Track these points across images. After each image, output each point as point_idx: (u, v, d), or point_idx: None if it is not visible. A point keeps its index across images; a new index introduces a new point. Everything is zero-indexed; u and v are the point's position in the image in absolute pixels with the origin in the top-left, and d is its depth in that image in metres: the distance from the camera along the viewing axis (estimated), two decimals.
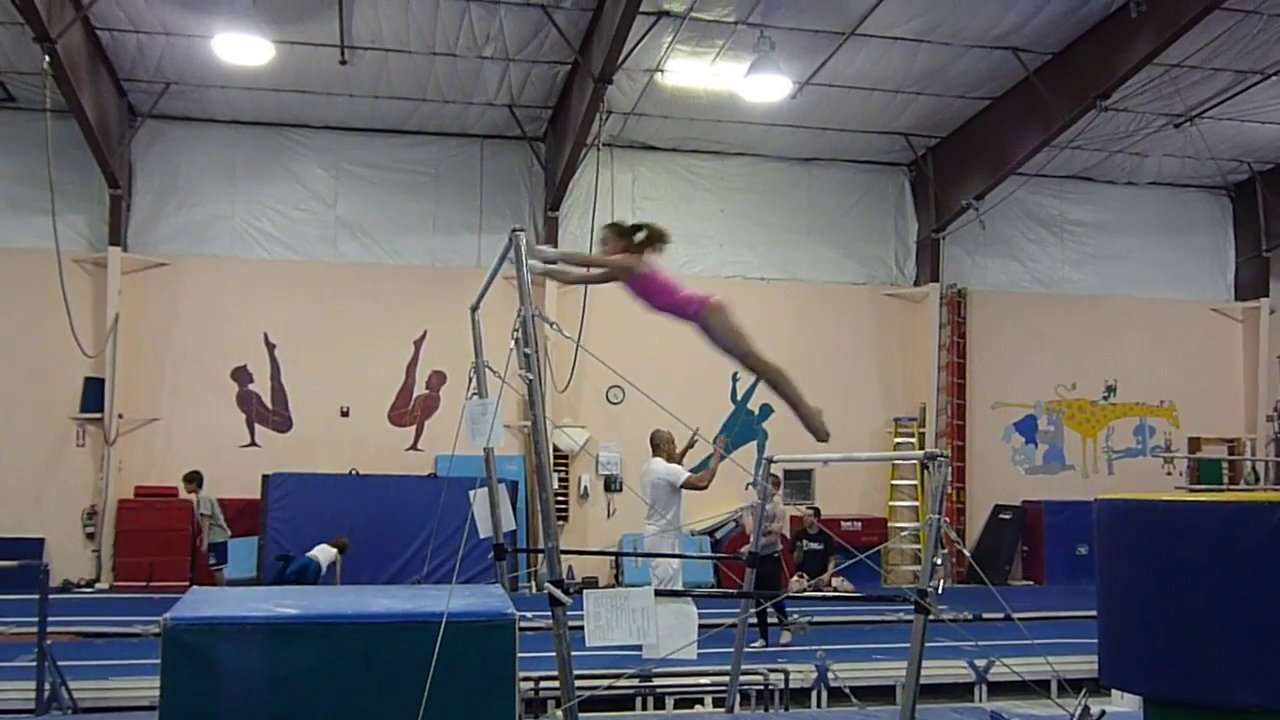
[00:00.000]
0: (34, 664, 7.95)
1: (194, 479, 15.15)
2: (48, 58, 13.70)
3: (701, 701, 9.81)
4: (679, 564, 10.80)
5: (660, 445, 10.93)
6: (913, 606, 5.94)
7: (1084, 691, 6.69)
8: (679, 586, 10.55)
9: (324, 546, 14.14)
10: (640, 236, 6.89)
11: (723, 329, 6.89)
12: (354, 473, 16.61)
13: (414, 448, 17.76)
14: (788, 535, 15.13)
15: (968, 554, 10.46)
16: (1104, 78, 15.25)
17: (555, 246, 17.82)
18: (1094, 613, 5.47)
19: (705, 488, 10.70)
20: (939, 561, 5.73)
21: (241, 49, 14.81)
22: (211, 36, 14.74)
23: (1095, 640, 5.44)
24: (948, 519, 8.08)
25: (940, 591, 5.77)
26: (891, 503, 18.96)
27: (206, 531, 15.01)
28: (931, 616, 5.77)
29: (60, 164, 15.09)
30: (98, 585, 16.43)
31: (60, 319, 15.37)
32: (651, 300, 6.90)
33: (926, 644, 5.86)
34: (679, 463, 10.87)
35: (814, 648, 10.48)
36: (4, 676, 9.29)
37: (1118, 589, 5.26)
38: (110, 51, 15.80)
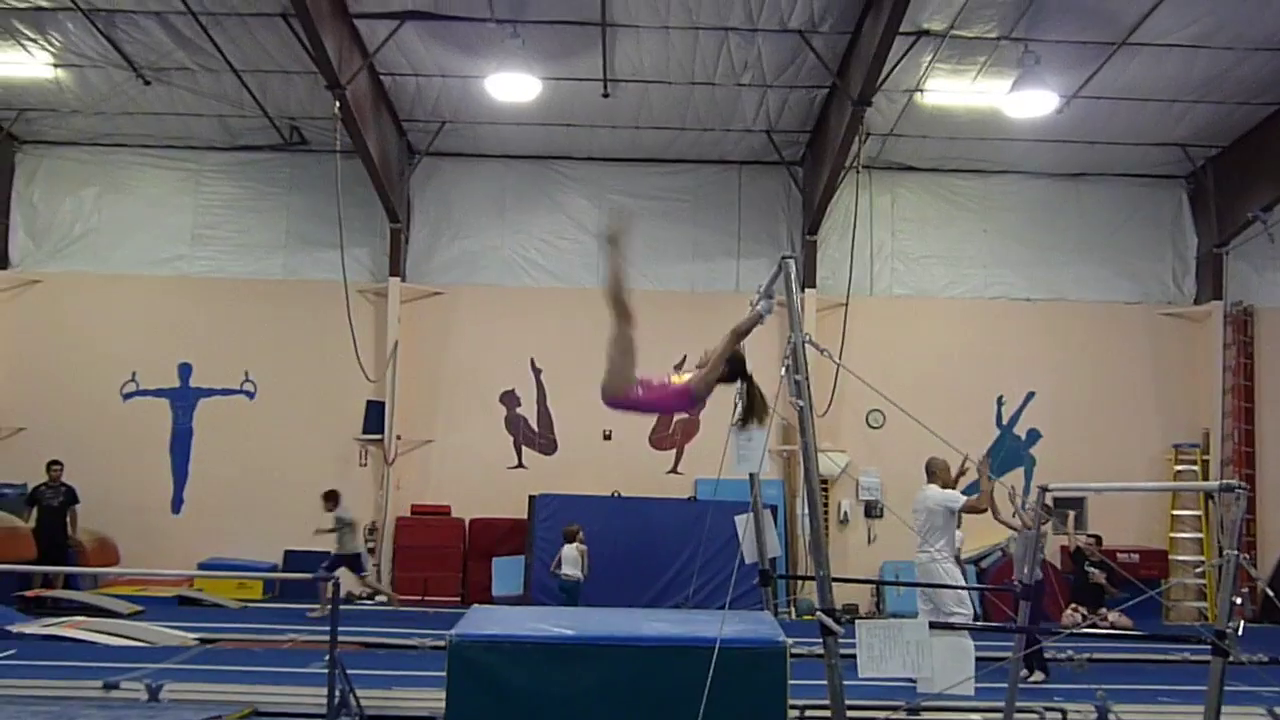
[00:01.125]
0: (325, 671, 8.44)
1: (332, 497, 15.78)
2: (338, 103, 14.74)
3: None
4: (965, 592, 10.64)
5: (936, 472, 10.87)
6: (1207, 647, 5.60)
7: None
8: (965, 611, 10.38)
9: (567, 552, 14.43)
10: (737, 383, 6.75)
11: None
12: (616, 495, 16.97)
13: (674, 471, 18.01)
14: (1057, 565, 14.58)
15: (1268, 590, 9.76)
16: None
17: (815, 271, 17.86)
18: None
19: (985, 510, 10.53)
20: (1238, 600, 5.39)
21: (511, 87, 15.50)
22: (484, 76, 15.48)
23: None
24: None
25: (1239, 632, 5.43)
26: (1173, 534, 17.86)
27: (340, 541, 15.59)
28: (1231, 659, 5.43)
29: (346, 201, 16.21)
30: (378, 599, 17.31)
31: (346, 345, 16.44)
32: (661, 389, 6.64)
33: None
34: (954, 489, 10.69)
35: (1093, 686, 9.99)
36: (298, 681, 9.89)
37: None
38: (391, 94, 16.82)
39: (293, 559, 17.22)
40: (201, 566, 16.49)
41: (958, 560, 11.43)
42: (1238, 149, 17.49)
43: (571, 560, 14.46)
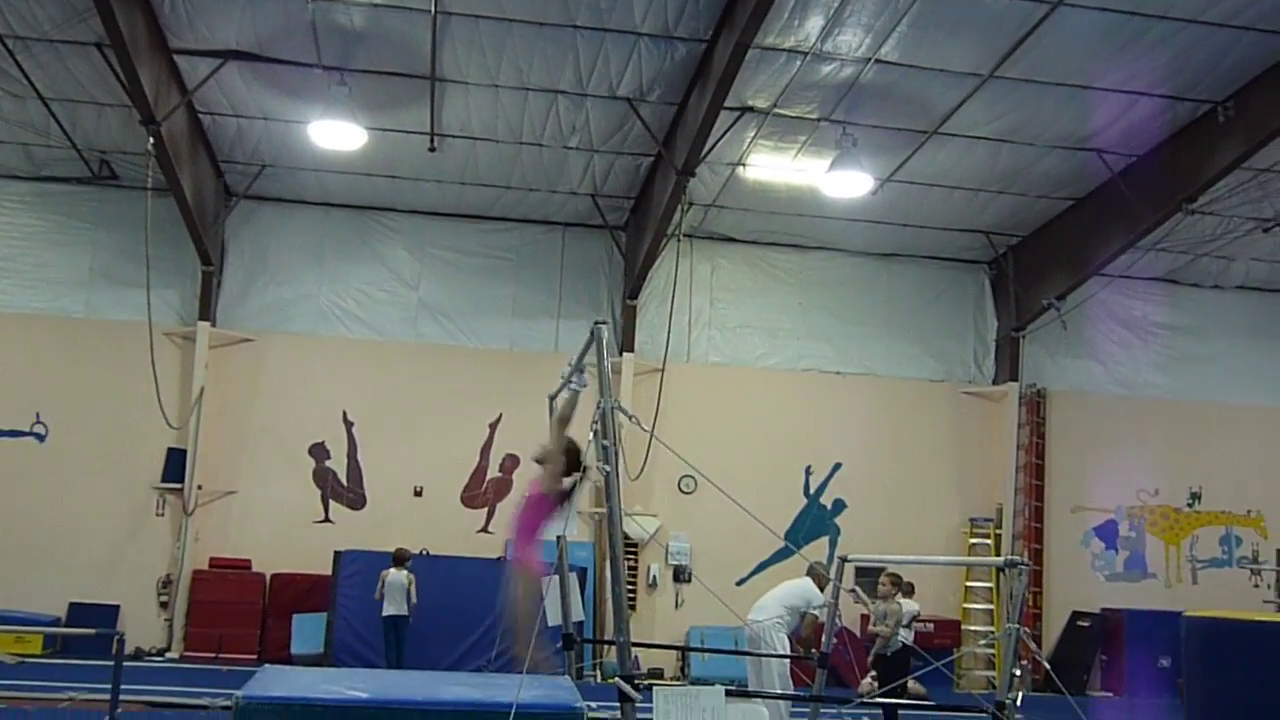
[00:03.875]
0: None
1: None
2: (152, 139, 14.20)
3: None
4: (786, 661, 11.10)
5: (817, 577, 11.77)
6: (990, 717, 5.79)
7: None
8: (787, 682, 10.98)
9: (393, 578, 14.49)
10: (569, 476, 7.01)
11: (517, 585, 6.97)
12: (425, 553, 16.65)
13: (485, 530, 17.81)
14: (857, 633, 14.89)
15: (1046, 664, 10.19)
16: (1191, 181, 15.14)
17: (633, 335, 18.05)
18: None
19: (811, 640, 11.01)
20: (1018, 672, 5.59)
21: (336, 135, 15.22)
22: (308, 122, 15.19)
23: None
24: (1025, 627, 7.91)
25: (1019, 703, 5.62)
26: (965, 605, 18.56)
27: None
28: None
29: (157, 240, 15.55)
30: (168, 654, 16.57)
31: (148, 390, 15.75)
32: (525, 515, 7.00)
33: None
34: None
35: None
36: None
37: (1207, 710, 5.10)
38: (210, 134, 16.36)
39: (78, 612, 16.31)
40: None
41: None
42: (1036, 239, 18.49)
43: (398, 588, 14.30)
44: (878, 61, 13.61)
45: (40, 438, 17.17)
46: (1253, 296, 20.13)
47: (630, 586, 17.58)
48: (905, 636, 15.32)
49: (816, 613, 11.19)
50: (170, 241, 16.78)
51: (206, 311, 17.49)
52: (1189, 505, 19.77)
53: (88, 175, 17.31)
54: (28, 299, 17.38)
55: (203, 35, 13.92)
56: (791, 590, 11.57)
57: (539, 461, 7.05)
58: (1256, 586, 19.41)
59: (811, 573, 11.97)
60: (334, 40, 13.80)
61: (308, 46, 13.90)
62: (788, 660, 11.24)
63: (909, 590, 16.24)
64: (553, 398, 7.96)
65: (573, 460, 6.94)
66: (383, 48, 13.94)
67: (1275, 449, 19.74)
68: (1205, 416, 19.60)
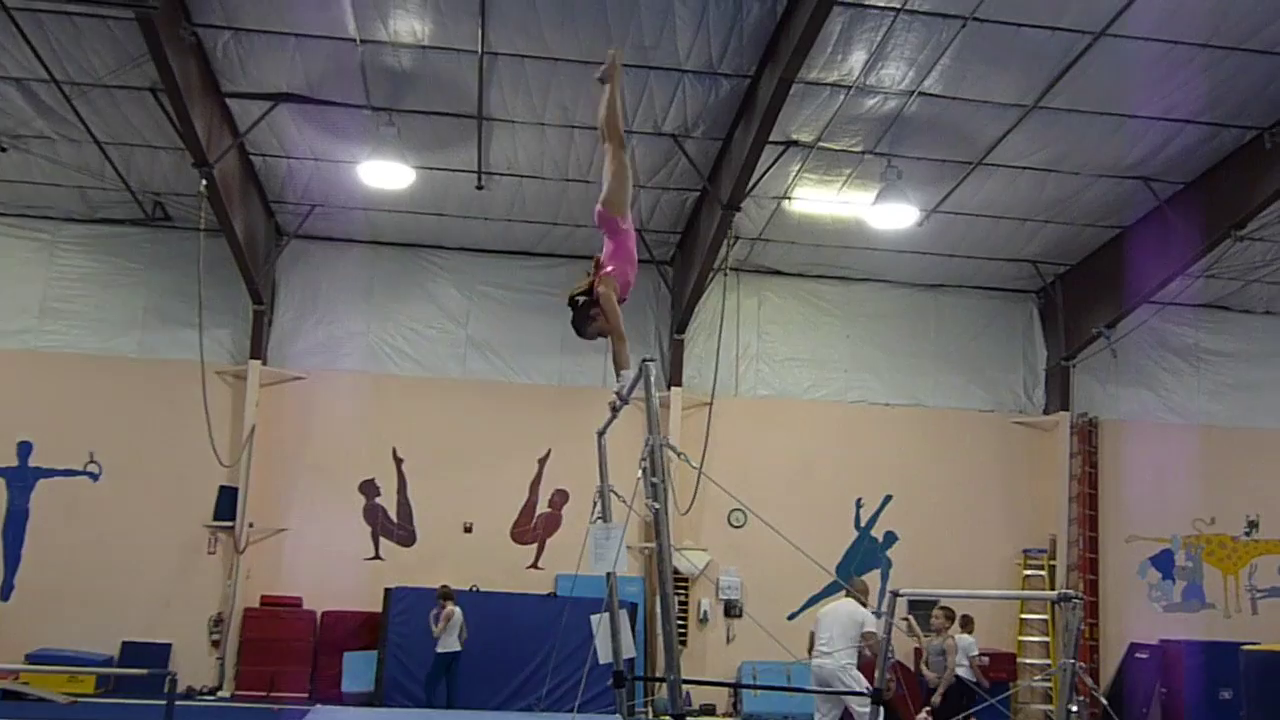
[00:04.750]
0: None
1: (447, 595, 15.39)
2: (204, 181, 14.49)
3: None
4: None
5: (859, 592, 11.78)
6: None
7: None
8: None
9: (447, 613, 14.71)
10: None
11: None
12: (475, 589, 16.70)
13: (534, 566, 17.81)
14: (910, 666, 14.74)
15: (1104, 700, 10.04)
16: (1239, 207, 14.98)
17: (681, 370, 18.05)
18: None
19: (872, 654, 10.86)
20: (1075, 709, 5.52)
21: (385, 174, 15.45)
22: (357, 162, 15.41)
23: None
24: (1082, 661, 7.81)
25: None
26: (1021, 638, 18.32)
27: None
28: None
29: (209, 280, 15.82)
30: (220, 693, 16.64)
31: (200, 428, 15.92)
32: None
33: None
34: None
35: None
36: None
37: None
38: (261, 175, 16.62)
39: (131, 651, 16.45)
40: (30, 658, 15.59)
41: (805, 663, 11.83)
42: (1084, 268, 18.34)
43: (458, 624, 14.63)
44: (921, 94, 13.62)
45: (94, 477, 17.39)
46: None
47: (681, 622, 17.50)
48: (963, 672, 15.24)
49: (874, 629, 11.07)
50: (222, 281, 17.04)
51: (258, 350, 17.71)
52: (1246, 534, 19.43)
53: (141, 217, 17.61)
54: (82, 339, 17.66)
55: (254, 78, 14.17)
56: (844, 620, 11.22)
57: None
58: None
59: (850, 592, 11.84)
60: (382, 81, 14.01)
61: (357, 88, 14.11)
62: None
63: (966, 624, 16.12)
64: (602, 433, 7.97)
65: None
66: (430, 88, 14.12)
67: None
68: (1260, 443, 19.29)
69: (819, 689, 10.62)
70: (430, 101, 14.42)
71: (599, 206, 7.02)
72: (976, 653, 15.22)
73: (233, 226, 15.78)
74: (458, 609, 14.91)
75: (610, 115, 7.22)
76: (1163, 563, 19.21)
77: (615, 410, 6.74)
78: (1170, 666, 18.13)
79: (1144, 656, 18.32)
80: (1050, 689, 17.71)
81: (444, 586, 15.28)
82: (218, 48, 13.56)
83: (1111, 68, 12.98)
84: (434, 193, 16.69)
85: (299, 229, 17.80)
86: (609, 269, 6.79)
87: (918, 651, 15.59)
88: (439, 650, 14.80)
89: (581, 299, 6.78)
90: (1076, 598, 5.85)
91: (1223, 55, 12.68)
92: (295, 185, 16.87)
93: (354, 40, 13.18)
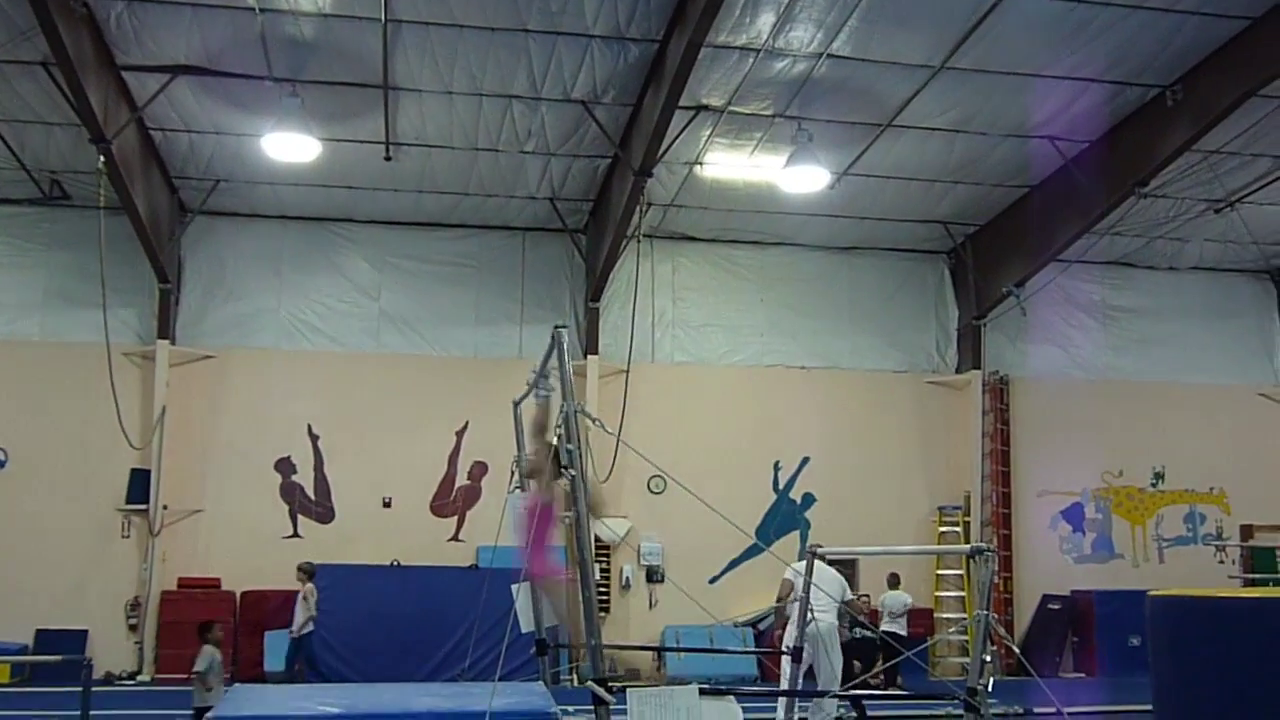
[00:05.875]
0: None
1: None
2: (102, 158, 14.09)
3: None
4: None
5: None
6: (962, 704, 5.84)
7: None
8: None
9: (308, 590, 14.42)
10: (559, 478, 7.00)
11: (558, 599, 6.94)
12: (396, 564, 16.59)
13: (455, 538, 17.74)
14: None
15: (1017, 649, 10.26)
16: (1142, 165, 15.30)
17: (597, 338, 18.02)
18: (1149, 707, 5.36)
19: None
20: (988, 659, 5.63)
21: (290, 147, 15.12)
22: (261, 135, 15.08)
23: None
24: (995, 612, 7.99)
25: (990, 689, 5.66)
26: (937, 593, 18.69)
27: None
28: (982, 714, 5.66)
29: (112, 259, 15.45)
30: (139, 677, 16.40)
31: (109, 411, 15.61)
32: (535, 529, 6.97)
33: None
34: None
35: None
36: None
37: (1174, 688, 5.15)
38: (162, 150, 16.21)
39: (45, 639, 16.13)
40: None
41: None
42: (993, 227, 18.63)
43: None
44: (830, 56, 13.67)
45: (0, 464, 16.96)
46: (1207, 277, 20.40)
47: (604, 588, 17.56)
48: (897, 626, 15.56)
49: (851, 596, 11.24)
50: (126, 260, 16.63)
51: (165, 330, 17.34)
52: (1153, 485, 19.99)
53: (39, 196, 17.09)
54: None
55: (150, 51, 13.78)
56: (831, 584, 11.01)
57: (529, 476, 7.05)
58: (1222, 563, 19.68)
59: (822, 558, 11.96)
60: (284, 51, 13.71)
61: (258, 59, 13.79)
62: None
63: (895, 581, 16.45)
64: (518, 403, 7.95)
65: (559, 462, 6.94)
66: (334, 58, 13.86)
67: (1234, 425, 20.01)
68: (1165, 397, 19.83)
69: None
70: (334, 71, 14.15)
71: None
72: (909, 605, 15.66)
73: (134, 204, 15.39)
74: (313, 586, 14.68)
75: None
76: (1073, 515, 19.70)
77: (540, 395, 6.76)
78: (1081, 616, 18.67)
79: (1056, 607, 18.80)
80: (967, 641, 18.09)
81: (306, 563, 15.10)
82: (111, 19, 13.15)
83: (1017, 27, 13.12)
84: (341, 165, 16.42)
85: (203, 205, 17.41)
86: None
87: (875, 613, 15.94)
88: (302, 634, 14.49)
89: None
90: (989, 551, 5.96)
91: (1126, 13, 12.88)
92: (198, 160, 16.48)
93: (253, 9, 12.85)
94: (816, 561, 11.37)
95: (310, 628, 14.56)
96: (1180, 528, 20.01)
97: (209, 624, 10.82)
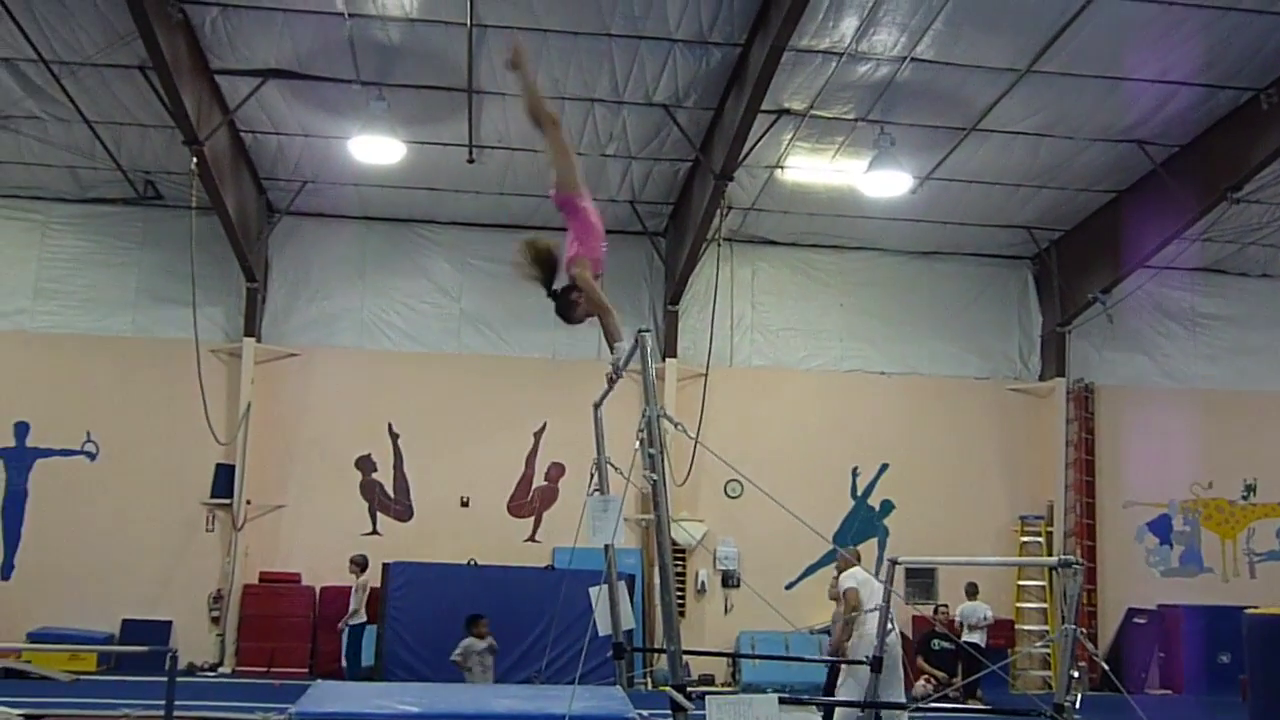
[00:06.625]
0: None
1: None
2: (195, 159, 14.42)
3: None
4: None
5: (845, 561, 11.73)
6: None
7: None
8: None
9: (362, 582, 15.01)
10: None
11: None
12: (472, 563, 16.71)
13: (532, 539, 17.83)
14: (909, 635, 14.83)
15: (1104, 664, 10.05)
16: (1235, 170, 14.91)
17: (676, 341, 17.98)
18: None
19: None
20: (1075, 674, 5.52)
21: (375, 149, 15.33)
22: (348, 138, 15.30)
23: None
24: (1081, 627, 7.84)
25: (1078, 706, 5.55)
26: (1019, 604, 18.37)
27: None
28: None
29: (202, 258, 15.83)
30: (220, 669, 16.71)
31: (196, 407, 15.93)
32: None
33: None
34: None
35: None
36: None
37: (1272, 708, 5.01)
38: (252, 152, 16.52)
39: (131, 629, 16.49)
40: (31, 636, 15.69)
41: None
42: (1079, 233, 18.29)
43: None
44: (913, 60, 13.53)
45: (91, 456, 17.38)
46: None
47: (679, 593, 17.53)
48: (976, 638, 15.34)
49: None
50: (215, 259, 17.02)
51: (252, 328, 17.67)
52: (1244, 498, 19.47)
53: (133, 196, 17.53)
54: (76, 319, 17.61)
55: (243, 55, 14.07)
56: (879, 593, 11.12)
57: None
58: None
59: (844, 562, 11.83)
60: (371, 56, 13.91)
61: (346, 63, 14.02)
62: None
63: (973, 591, 16.19)
64: (598, 405, 7.95)
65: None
66: (419, 62, 14.03)
67: None
68: (1257, 407, 19.30)
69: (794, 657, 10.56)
70: (420, 75, 14.32)
71: (551, 191, 7.00)
72: (989, 618, 15.41)
73: (224, 204, 15.71)
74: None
75: (532, 100, 7.15)
76: (1160, 528, 19.25)
77: (611, 382, 6.72)
78: (1169, 631, 18.23)
79: (1142, 622, 18.39)
80: (1049, 654, 17.78)
81: (359, 555, 15.59)
82: (206, 24, 13.45)
83: (1106, 30, 12.89)
84: (425, 167, 16.60)
85: (290, 206, 17.71)
86: (574, 252, 6.78)
87: (916, 619, 15.69)
88: (357, 623, 15.13)
89: (560, 289, 6.80)
90: (1077, 563, 5.83)
91: (1218, 15, 12.59)
92: (286, 161, 16.78)
93: (342, 14, 13.06)
94: (866, 573, 11.31)
95: (358, 619, 14.90)
96: (1273, 542, 19.44)
97: (476, 617, 12.81)
